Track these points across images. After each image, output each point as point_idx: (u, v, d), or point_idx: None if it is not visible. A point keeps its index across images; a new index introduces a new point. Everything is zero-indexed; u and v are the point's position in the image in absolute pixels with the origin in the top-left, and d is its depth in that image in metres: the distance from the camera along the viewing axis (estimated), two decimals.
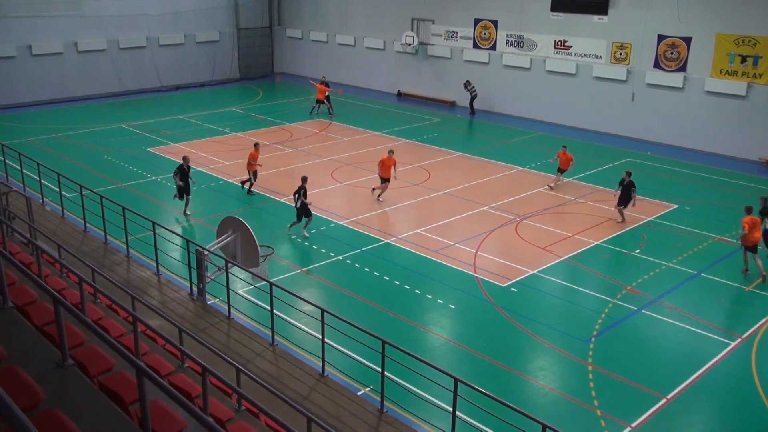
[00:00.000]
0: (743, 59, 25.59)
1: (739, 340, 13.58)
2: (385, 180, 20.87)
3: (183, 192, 19.54)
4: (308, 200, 18.16)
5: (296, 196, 18.05)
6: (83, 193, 16.30)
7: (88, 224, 16.75)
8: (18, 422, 3.53)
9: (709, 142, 26.82)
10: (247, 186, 21.68)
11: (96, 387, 6.20)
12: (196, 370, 8.97)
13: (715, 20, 26.00)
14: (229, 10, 41.05)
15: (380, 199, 21.10)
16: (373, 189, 21.50)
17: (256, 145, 21.62)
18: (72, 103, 34.70)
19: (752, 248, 16.14)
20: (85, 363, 6.53)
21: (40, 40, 33.91)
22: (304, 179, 18.27)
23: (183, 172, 19.34)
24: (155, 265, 14.65)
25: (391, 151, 21.06)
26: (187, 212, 19.73)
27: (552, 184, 22.42)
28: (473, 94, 32.86)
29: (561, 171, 22.30)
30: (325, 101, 31.93)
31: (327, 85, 32.36)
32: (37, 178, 17.99)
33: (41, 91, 34.21)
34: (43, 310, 7.53)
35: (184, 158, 19.75)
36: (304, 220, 18.25)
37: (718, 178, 23.99)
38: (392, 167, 20.79)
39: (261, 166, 21.65)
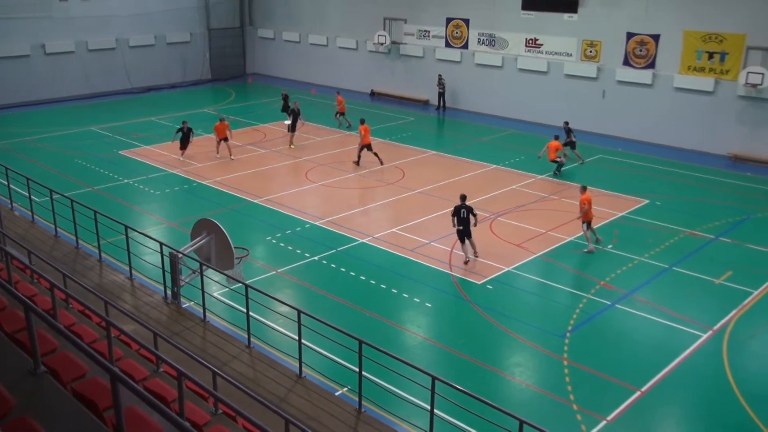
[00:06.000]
0: (710, 56, 26.00)
1: (711, 332, 13.81)
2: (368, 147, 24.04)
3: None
4: None
5: None
6: (53, 197, 16.04)
7: (58, 229, 16.49)
8: None
9: (678, 138, 27.21)
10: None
11: (69, 394, 6.11)
12: (171, 375, 8.89)
13: (682, 17, 26.39)
14: (199, 10, 40.71)
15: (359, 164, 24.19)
16: (358, 161, 24.08)
17: None
18: (40, 106, 34.14)
19: (590, 223, 17.57)
20: (58, 370, 6.44)
21: (5, 43, 33.30)
22: None
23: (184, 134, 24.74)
24: (128, 269, 14.47)
25: (362, 120, 24.76)
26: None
27: (591, 246, 17.48)
28: (441, 90, 33.02)
29: (587, 224, 17.54)
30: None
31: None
32: (6, 183, 17.67)
33: (8, 94, 33.56)
34: (14, 317, 7.41)
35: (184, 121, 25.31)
36: None
37: (688, 173, 24.35)
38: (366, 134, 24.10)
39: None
